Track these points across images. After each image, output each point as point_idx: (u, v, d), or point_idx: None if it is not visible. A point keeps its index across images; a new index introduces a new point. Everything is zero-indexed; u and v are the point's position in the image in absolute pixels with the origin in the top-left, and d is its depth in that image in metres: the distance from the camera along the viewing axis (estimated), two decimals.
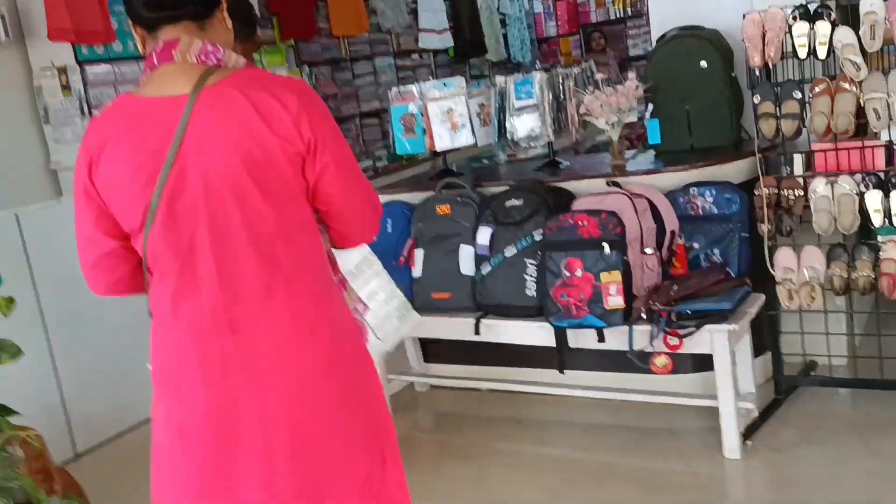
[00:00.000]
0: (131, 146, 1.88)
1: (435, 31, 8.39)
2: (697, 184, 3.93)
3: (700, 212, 3.91)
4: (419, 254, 4.27)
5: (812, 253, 3.77)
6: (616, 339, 3.69)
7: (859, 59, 3.54)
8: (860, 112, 3.57)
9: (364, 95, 7.74)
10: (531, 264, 3.93)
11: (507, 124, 4.51)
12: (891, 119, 3.50)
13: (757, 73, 3.81)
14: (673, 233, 3.86)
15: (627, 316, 3.66)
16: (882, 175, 3.59)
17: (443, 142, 4.54)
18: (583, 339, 3.81)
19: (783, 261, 3.80)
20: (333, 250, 2.14)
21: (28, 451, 3.04)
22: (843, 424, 3.83)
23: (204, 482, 1.96)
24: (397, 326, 3.29)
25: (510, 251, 3.99)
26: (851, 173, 3.63)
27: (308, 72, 7.08)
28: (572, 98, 4.44)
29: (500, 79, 4.60)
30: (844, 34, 3.57)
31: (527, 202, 4.02)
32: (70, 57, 5.12)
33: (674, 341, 3.53)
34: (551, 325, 3.83)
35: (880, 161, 3.61)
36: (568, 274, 3.74)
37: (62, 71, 5.10)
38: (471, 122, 4.46)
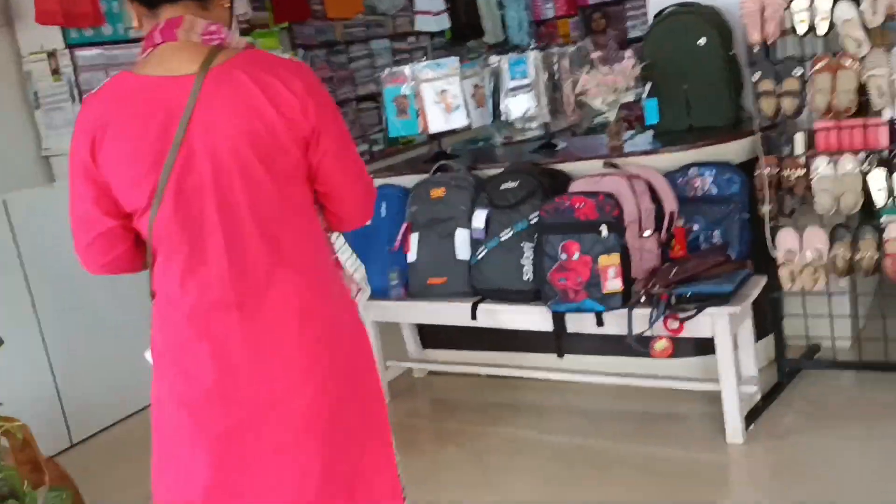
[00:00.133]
0: (137, 125, 1.88)
1: (431, 12, 8.30)
2: (697, 164, 3.87)
3: (699, 193, 3.85)
4: (414, 238, 4.22)
5: (814, 234, 3.71)
6: (615, 323, 3.64)
7: (861, 35, 3.48)
8: (862, 89, 3.51)
9: (360, 79, 7.67)
10: (528, 248, 3.87)
11: (502, 105, 4.44)
12: (893, 96, 3.44)
13: (756, 50, 3.74)
14: (672, 214, 3.79)
15: (626, 299, 3.61)
16: (885, 153, 3.53)
17: (436, 123, 4.45)
18: (581, 323, 3.75)
19: (785, 242, 3.75)
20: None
21: (14, 443, 2.98)
22: (848, 408, 3.77)
23: (216, 454, 1.97)
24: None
25: (506, 234, 3.93)
26: (854, 152, 3.58)
27: (302, 55, 7.01)
28: (568, 78, 4.36)
29: (494, 58, 4.53)
30: (845, 9, 3.50)
31: (522, 184, 3.95)
32: (59, 41, 5.03)
33: (674, 325, 3.47)
34: (549, 309, 3.77)
35: (883, 139, 3.54)
36: (565, 257, 3.68)
37: (51, 55, 5.03)
38: (465, 103, 4.38)
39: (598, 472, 3.57)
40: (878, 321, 3.94)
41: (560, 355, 3.89)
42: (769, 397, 3.84)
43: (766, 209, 3.72)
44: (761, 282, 3.72)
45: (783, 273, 3.74)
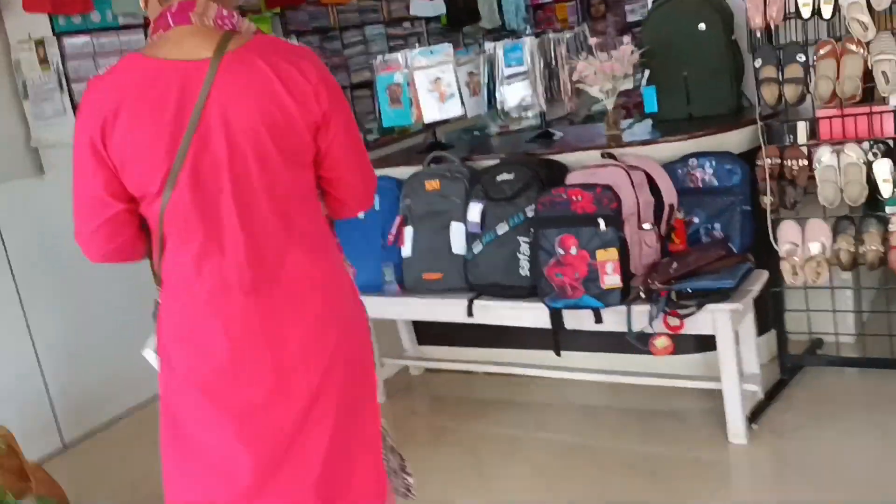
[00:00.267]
0: (152, 109, 1.89)
1: None
2: (696, 154, 3.79)
3: (700, 184, 3.77)
4: (408, 232, 4.12)
5: (817, 226, 3.63)
6: (614, 320, 3.56)
7: (867, 19, 3.38)
8: (868, 76, 3.42)
9: (354, 65, 7.56)
10: (524, 242, 3.78)
11: (497, 93, 4.35)
12: None
13: (758, 35, 3.66)
14: (671, 207, 3.71)
15: (625, 295, 3.53)
16: (891, 142, 3.45)
17: (430, 112, 4.36)
18: (579, 320, 3.66)
19: (787, 235, 3.67)
20: None
21: None
22: (851, 405, 3.71)
23: (245, 433, 2.00)
24: None
25: (502, 228, 3.83)
26: (858, 141, 3.49)
27: (295, 41, 6.90)
28: (565, 65, 4.27)
29: (489, 45, 4.43)
30: None
31: (518, 176, 3.86)
32: (47, 28, 4.92)
33: (674, 322, 3.40)
34: (546, 305, 3.68)
35: (889, 128, 3.46)
36: (562, 252, 3.59)
37: (39, 43, 4.93)
38: (459, 91, 4.28)
39: (597, 470, 3.51)
40: (882, 316, 3.89)
41: (558, 353, 3.80)
42: (772, 394, 3.77)
43: (767, 201, 3.65)
44: (763, 276, 3.63)
45: (785, 267, 3.66)
